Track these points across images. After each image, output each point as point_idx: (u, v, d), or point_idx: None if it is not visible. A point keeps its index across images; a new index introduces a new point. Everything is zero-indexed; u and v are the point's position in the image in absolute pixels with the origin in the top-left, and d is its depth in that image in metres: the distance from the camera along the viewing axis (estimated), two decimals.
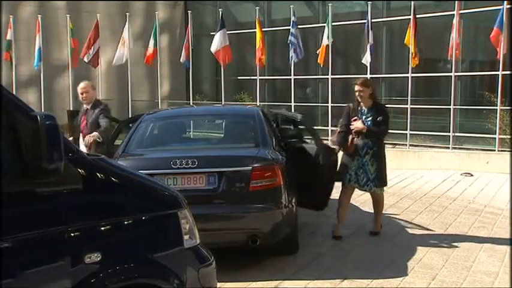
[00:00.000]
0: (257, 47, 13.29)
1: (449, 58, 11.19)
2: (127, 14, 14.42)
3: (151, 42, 14.17)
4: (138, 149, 5.50)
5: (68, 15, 14.70)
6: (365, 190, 5.97)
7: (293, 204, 5.17)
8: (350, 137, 5.78)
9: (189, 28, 14.21)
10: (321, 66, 12.72)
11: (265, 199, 4.87)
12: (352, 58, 13.62)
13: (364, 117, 5.81)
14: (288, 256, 5.24)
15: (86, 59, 13.74)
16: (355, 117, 5.79)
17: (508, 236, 5.94)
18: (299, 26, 13.23)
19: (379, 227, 6.07)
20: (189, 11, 14.93)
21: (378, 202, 6.03)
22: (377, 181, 5.82)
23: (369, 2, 12.27)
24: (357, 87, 5.83)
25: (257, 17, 13.47)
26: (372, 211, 6.17)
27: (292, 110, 11.94)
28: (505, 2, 10.38)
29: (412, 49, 11.25)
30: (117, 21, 15.47)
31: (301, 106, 13.76)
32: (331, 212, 6.32)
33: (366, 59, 11.91)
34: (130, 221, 2.78)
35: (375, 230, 6.06)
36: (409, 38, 11.29)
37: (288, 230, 5.10)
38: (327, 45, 12.36)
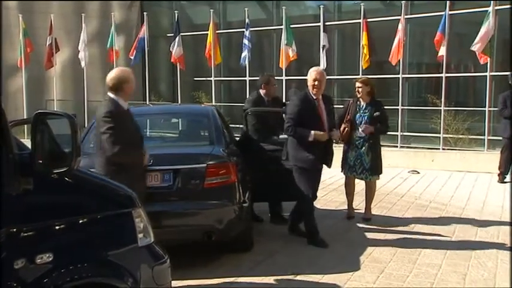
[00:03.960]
0: (207, 48, 13.49)
1: (389, 60, 11.55)
2: (82, 14, 14.26)
3: (109, 42, 14.19)
4: (93, 148, 5.51)
5: (20, 15, 14.45)
6: (361, 178, 6.62)
7: (247, 201, 5.31)
8: (343, 127, 6.41)
9: (145, 29, 14.24)
10: (282, 68, 12.93)
11: (219, 196, 5.00)
12: (305, 60, 13.86)
13: (361, 111, 6.47)
14: (243, 253, 5.37)
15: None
16: (366, 125, 6.36)
17: (448, 229, 6.28)
18: (254, 28, 13.41)
19: (370, 214, 6.70)
20: (145, 12, 14.96)
21: (370, 190, 6.67)
22: (372, 170, 6.48)
23: (321, 6, 12.57)
24: (357, 84, 6.52)
25: (211, 19, 13.62)
26: (325, 209, 6.41)
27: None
28: (447, 7, 10.87)
29: (365, 51, 11.58)
30: (72, 22, 15.30)
31: (256, 109, 13.88)
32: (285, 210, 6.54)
33: (321, 62, 12.18)
34: (83, 221, 2.78)
35: (366, 217, 6.65)
36: (366, 41, 11.62)
37: (243, 226, 5.24)
38: (290, 49, 12.60)
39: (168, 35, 15.32)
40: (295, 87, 12.87)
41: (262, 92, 6.74)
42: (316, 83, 5.59)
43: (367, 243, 5.83)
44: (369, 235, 6.13)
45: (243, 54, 13.30)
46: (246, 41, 13.15)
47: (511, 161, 9.00)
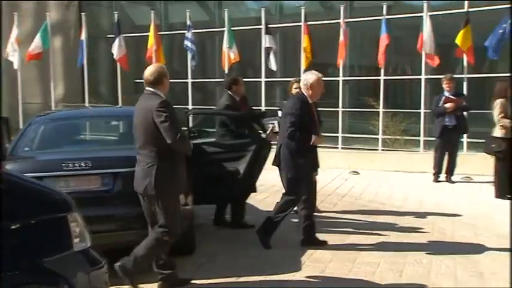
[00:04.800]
0: (149, 49, 13.35)
1: (338, 63, 11.81)
2: (15, 14, 13.79)
3: (37, 41, 13.70)
4: (27, 152, 5.35)
5: None
6: None
7: (189, 203, 5.28)
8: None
9: (83, 30, 13.93)
10: (225, 70, 12.92)
11: None
12: (248, 62, 13.93)
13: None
14: (185, 256, 5.32)
15: None
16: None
17: (387, 227, 6.46)
18: (196, 30, 13.35)
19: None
20: (82, 13, 14.62)
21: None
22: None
23: (263, 8, 12.68)
24: (295, 85, 6.79)
25: (152, 20, 13.47)
26: (268, 210, 6.46)
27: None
28: (385, 12, 11.20)
29: (307, 53, 11.76)
30: (5, 22, 14.74)
31: (200, 109, 13.85)
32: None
33: (271, 64, 12.26)
34: (16, 226, 2.71)
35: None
36: (307, 43, 11.80)
37: (185, 229, 5.19)
38: (231, 51, 12.61)
39: (109, 36, 15.02)
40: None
41: (231, 92, 6.71)
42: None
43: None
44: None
45: (189, 57, 13.23)
46: (188, 43, 13.10)
47: (450, 160, 9.38)
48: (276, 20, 13.99)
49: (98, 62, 16.45)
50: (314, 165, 6.04)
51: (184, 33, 13.33)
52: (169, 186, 4.39)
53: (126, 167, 4.86)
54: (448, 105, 9.01)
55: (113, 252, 3.59)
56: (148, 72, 4.53)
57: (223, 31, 12.88)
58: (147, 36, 13.53)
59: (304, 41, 11.85)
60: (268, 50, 12.25)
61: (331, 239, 6.03)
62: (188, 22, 13.15)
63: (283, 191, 5.75)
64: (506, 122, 7.80)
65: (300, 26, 12.03)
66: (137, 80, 15.68)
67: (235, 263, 5.25)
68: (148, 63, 13.53)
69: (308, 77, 5.64)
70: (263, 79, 12.86)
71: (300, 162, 5.55)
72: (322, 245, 5.76)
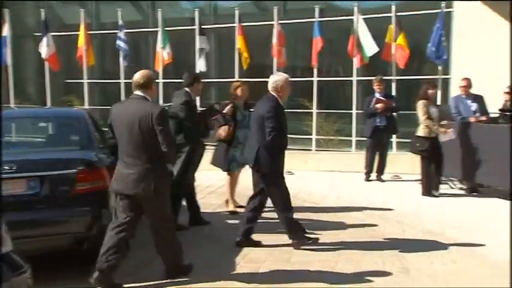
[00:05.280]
0: (79, 48, 13.00)
1: (277, 65, 11.92)
2: None
3: None
4: None
5: None
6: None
7: None
8: (227, 126, 6.96)
9: (6, 26, 13.39)
10: (158, 71, 12.75)
11: (91, 202, 4.81)
12: (182, 63, 13.82)
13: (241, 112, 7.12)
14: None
15: None
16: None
17: (320, 226, 6.56)
18: (129, 30, 13.11)
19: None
20: (6, 9, 14.03)
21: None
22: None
23: (196, 9, 12.62)
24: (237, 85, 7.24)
25: (82, 19, 13.13)
26: (203, 212, 6.44)
27: None
28: (317, 14, 11.43)
29: (245, 54, 11.79)
30: None
31: None
32: None
33: (200, 65, 12.21)
34: None
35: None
36: (241, 44, 11.84)
37: None
38: (164, 51, 12.45)
39: (36, 34, 14.49)
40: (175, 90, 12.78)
41: (190, 89, 6.61)
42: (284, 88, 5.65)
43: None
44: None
45: (121, 56, 12.97)
46: (121, 43, 12.86)
47: (381, 160, 9.66)
48: (211, 20, 13.96)
49: (24, 61, 15.83)
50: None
51: (116, 33, 13.06)
52: (166, 186, 4.66)
53: (54, 170, 4.72)
54: (378, 105, 9.29)
55: (37, 258, 3.43)
56: (139, 76, 4.65)
57: (157, 31, 12.72)
58: (77, 35, 13.17)
59: (239, 42, 11.88)
60: (201, 51, 12.20)
61: (266, 239, 6.05)
62: (120, 22, 12.91)
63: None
64: (430, 122, 8.13)
65: (235, 27, 12.06)
66: (68, 80, 15.29)
67: None
68: (79, 63, 13.30)
69: (277, 79, 5.66)
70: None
71: (280, 164, 5.63)
72: (257, 245, 5.77)
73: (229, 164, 7.18)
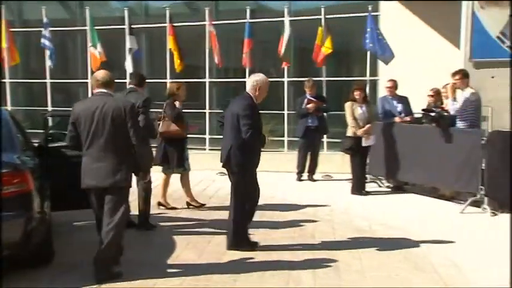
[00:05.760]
0: (3, 47, 12.47)
1: (217, 66, 11.91)
2: None
3: None
4: None
5: None
6: (179, 172, 7.53)
7: (46, 210, 4.99)
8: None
9: None
10: (94, 70, 12.41)
11: (14, 206, 4.58)
12: (114, 63, 13.51)
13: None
14: (43, 266, 5.04)
15: None
16: None
17: (252, 225, 6.59)
18: (55, 28, 12.69)
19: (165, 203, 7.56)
20: None
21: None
22: None
23: (126, 8, 12.40)
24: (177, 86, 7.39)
25: (3, 16, 12.60)
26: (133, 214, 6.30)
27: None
28: (248, 16, 11.50)
29: (176, 55, 11.67)
30: None
31: (60, 111, 13.20)
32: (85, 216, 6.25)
33: (128, 66, 11.99)
34: None
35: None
36: (172, 45, 11.72)
37: (41, 238, 4.90)
38: (96, 50, 12.13)
39: None
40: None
41: (140, 89, 6.53)
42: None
43: (174, 245, 5.86)
44: (177, 238, 6.15)
45: (47, 56, 12.54)
46: (46, 41, 12.42)
47: (312, 160, 9.81)
48: (142, 20, 13.74)
49: None
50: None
51: (41, 31, 12.61)
52: (131, 177, 4.96)
53: None
54: (309, 106, 9.45)
55: None
56: (103, 74, 4.98)
57: (86, 30, 12.39)
58: None
59: (170, 42, 11.78)
60: (130, 51, 12.01)
61: (198, 240, 6.04)
62: (45, 19, 12.47)
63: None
64: (354, 123, 8.43)
65: (166, 27, 11.94)
66: None
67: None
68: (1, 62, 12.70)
69: (257, 79, 5.65)
70: (128, 80, 12.52)
71: (252, 164, 5.63)
72: (253, 246, 5.73)
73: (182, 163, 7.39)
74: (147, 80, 6.95)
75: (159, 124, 7.29)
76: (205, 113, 12.43)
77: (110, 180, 4.73)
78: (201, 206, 7.69)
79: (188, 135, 7.75)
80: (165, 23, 12.11)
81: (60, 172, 5.45)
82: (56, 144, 6.03)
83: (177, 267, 5.18)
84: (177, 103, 7.42)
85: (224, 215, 7.23)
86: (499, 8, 8.98)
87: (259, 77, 5.71)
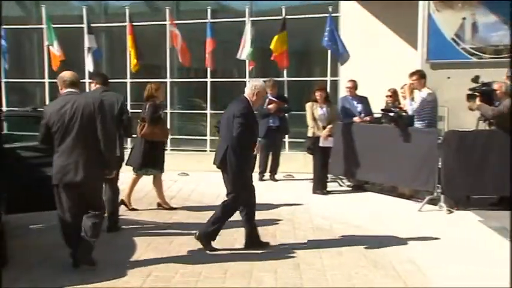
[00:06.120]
0: None
1: (184, 64, 11.82)
2: None
3: None
4: None
5: None
6: (150, 174, 7.56)
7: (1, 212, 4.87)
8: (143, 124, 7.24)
9: None
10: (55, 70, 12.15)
11: None
12: (72, 62, 13.28)
13: None
14: None
15: None
16: None
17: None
18: (9, 26, 12.38)
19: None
20: None
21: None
22: None
23: (84, 6, 12.19)
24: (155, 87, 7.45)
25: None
26: None
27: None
28: (209, 16, 11.47)
29: (132, 54, 11.55)
30: None
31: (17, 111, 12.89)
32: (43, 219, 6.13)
33: (88, 65, 11.81)
34: None
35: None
36: (131, 44, 11.59)
37: None
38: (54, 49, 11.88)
39: None
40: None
41: (107, 88, 6.43)
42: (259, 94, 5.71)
43: (135, 246, 5.80)
44: (137, 239, 6.08)
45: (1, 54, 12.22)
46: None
47: (274, 160, 9.85)
48: (101, 19, 13.53)
49: None
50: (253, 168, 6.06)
51: None
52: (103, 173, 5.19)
53: None
54: (270, 106, 9.48)
55: None
56: (71, 75, 5.15)
57: (42, 28, 12.13)
58: None
59: (129, 42, 11.64)
60: (89, 50, 11.82)
61: (158, 241, 5.98)
62: None
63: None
64: (313, 124, 8.56)
65: (126, 26, 11.80)
66: None
67: (56, 273, 4.95)
68: None
69: (256, 84, 5.74)
70: (87, 80, 12.32)
71: (248, 165, 5.65)
72: (265, 246, 5.77)
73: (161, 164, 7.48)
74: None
75: (142, 125, 7.27)
76: (166, 113, 12.29)
77: (82, 175, 4.88)
78: (171, 209, 7.61)
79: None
80: (125, 22, 11.95)
81: (15, 173, 5.32)
82: (13, 146, 5.90)
83: (138, 268, 5.11)
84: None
85: (187, 215, 7.26)
86: (454, 10, 9.23)
87: (258, 82, 5.82)
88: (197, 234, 5.73)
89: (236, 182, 5.63)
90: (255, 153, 5.70)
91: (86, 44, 11.83)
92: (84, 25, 11.95)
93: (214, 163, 5.80)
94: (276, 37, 10.86)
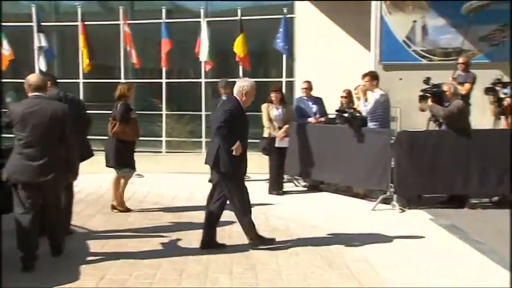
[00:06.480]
0: None
1: (134, 66, 11.67)
2: None
3: None
4: None
5: None
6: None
7: None
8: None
9: None
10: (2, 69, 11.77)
11: None
12: (22, 61, 12.94)
13: None
14: None
15: None
16: None
17: (169, 228, 6.54)
18: None
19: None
20: None
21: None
22: None
23: (33, 5, 11.89)
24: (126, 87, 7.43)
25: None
26: None
27: None
28: (164, 16, 11.38)
29: (84, 55, 11.34)
30: None
31: None
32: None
33: (39, 64, 11.52)
34: None
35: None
36: (83, 44, 11.38)
37: None
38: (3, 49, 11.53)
39: None
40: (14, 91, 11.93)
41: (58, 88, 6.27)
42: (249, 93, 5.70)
43: (88, 250, 5.70)
44: (90, 242, 5.97)
45: None
46: None
47: None
48: (52, 18, 13.23)
49: None
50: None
51: None
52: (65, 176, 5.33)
53: None
54: None
55: None
56: (37, 78, 5.32)
57: None
58: None
59: (81, 41, 11.43)
60: (39, 49, 11.54)
61: (112, 244, 5.89)
62: None
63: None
64: (268, 124, 8.65)
65: (78, 25, 11.58)
66: None
67: (12, 278, 4.78)
68: None
69: (243, 84, 5.72)
70: None
71: (240, 164, 5.68)
72: (221, 247, 5.78)
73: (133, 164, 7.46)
74: (58, 80, 6.71)
75: (113, 124, 7.29)
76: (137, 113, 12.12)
77: (44, 177, 5.00)
78: (126, 211, 7.51)
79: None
80: (77, 21, 11.72)
81: None
82: None
83: (92, 271, 5.02)
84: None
85: (142, 217, 7.16)
86: (405, 13, 9.45)
87: (245, 82, 5.80)
88: (251, 243, 5.77)
89: (232, 180, 5.69)
90: (234, 153, 5.65)
91: (36, 43, 11.52)
92: (34, 23, 11.64)
93: (206, 163, 5.85)
94: (238, 39, 10.87)
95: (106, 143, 7.56)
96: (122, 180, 7.52)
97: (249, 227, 5.80)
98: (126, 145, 7.39)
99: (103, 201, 7.95)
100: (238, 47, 10.97)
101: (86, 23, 11.58)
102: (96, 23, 12.23)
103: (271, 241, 5.85)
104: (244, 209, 5.76)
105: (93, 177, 9.06)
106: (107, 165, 7.45)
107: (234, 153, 5.55)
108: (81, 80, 11.90)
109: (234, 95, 5.76)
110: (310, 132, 8.76)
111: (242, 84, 5.75)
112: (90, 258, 5.45)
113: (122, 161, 7.38)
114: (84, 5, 12.29)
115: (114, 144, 7.34)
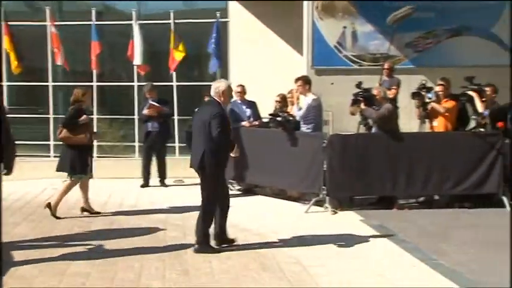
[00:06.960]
0: None
1: (63, 67, 11.34)
2: None
3: None
4: None
5: None
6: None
7: None
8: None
9: None
10: None
11: None
12: None
13: None
14: None
15: None
16: None
17: (102, 236, 6.38)
18: None
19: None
20: None
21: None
22: None
23: None
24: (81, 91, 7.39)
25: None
26: None
27: None
28: (94, 17, 11.12)
29: (11, 57, 10.92)
30: None
31: None
32: None
33: None
34: None
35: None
36: (8, 45, 10.95)
37: None
38: None
39: None
40: None
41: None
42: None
43: (13, 262, 5.42)
44: (15, 253, 5.70)
45: None
46: None
47: (159, 164, 9.73)
48: None
49: None
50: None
51: None
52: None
53: None
54: (146, 111, 9.41)
55: None
56: None
57: None
58: None
59: (5, 43, 10.97)
60: None
61: (39, 252, 5.67)
62: None
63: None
64: None
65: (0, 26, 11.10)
66: None
67: None
68: None
69: (218, 85, 5.81)
70: None
71: (224, 165, 5.78)
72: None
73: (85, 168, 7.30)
74: None
75: (60, 129, 7.31)
76: (48, 118, 11.73)
77: None
78: (97, 214, 7.51)
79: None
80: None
81: None
82: None
83: (15, 284, 4.80)
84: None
85: (71, 225, 6.93)
86: (335, 19, 9.68)
87: (220, 83, 5.91)
88: (194, 248, 5.74)
89: (214, 183, 5.71)
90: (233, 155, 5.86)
91: None
92: None
93: (191, 166, 5.85)
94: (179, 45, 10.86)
95: (61, 149, 7.59)
96: (76, 186, 7.43)
97: (202, 233, 5.78)
98: (79, 150, 7.28)
99: (30, 208, 7.65)
100: (175, 51, 10.92)
101: (10, 23, 11.11)
102: (22, 23, 11.77)
103: (217, 251, 5.81)
104: (208, 217, 5.80)
105: (20, 184, 8.71)
106: (57, 170, 7.44)
107: (233, 155, 5.86)
108: (4, 83, 11.39)
109: (212, 96, 5.83)
110: (244, 135, 8.77)
111: (217, 85, 5.86)
112: (16, 268, 5.21)
113: (74, 166, 7.28)
114: (8, 5, 11.78)
115: (66, 150, 7.33)
